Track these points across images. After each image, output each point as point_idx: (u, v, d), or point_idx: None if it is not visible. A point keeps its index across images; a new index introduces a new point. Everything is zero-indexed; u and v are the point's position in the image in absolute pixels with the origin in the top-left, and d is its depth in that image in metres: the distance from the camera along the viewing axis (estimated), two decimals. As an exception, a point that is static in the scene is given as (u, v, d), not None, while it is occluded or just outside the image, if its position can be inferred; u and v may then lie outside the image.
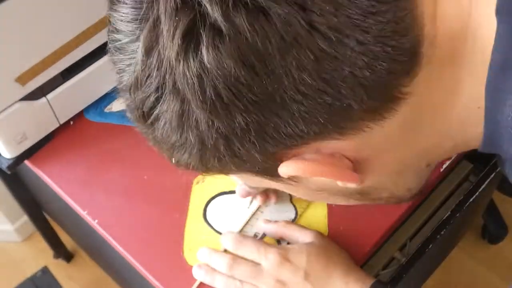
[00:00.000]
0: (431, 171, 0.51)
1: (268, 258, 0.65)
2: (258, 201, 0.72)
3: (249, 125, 0.38)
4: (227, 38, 0.35)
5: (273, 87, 0.36)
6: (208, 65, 0.36)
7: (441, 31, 0.39)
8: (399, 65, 0.37)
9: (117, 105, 0.84)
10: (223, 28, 0.35)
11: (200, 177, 0.76)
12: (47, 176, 0.78)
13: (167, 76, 0.38)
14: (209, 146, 0.40)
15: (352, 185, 0.44)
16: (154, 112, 0.40)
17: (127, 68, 0.40)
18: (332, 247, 0.67)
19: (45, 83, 0.73)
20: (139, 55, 0.38)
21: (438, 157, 0.49)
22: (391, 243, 0.78)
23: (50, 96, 0.75)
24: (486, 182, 0.77)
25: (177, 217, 0.73)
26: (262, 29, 0.35)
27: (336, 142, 0.40)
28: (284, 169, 0.42)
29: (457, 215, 0.75)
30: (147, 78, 0.39)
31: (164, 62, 0.37)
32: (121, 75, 0.42)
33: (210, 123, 0.38)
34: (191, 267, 0.69)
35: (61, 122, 0.80)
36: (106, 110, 0.84)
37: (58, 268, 1.41)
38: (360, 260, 0.69)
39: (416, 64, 0.38)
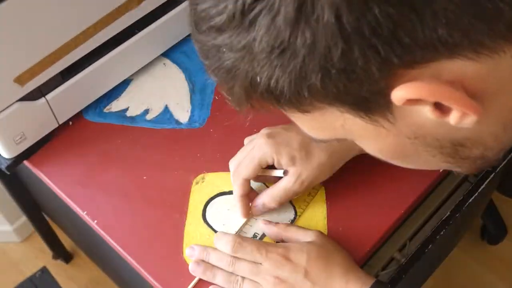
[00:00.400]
0: None
1: (269, 258, 0.65)
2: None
3: (382, 22, 0.33)
4: None
5: None
6: None
7: None
8: None
9: (116, 105, 0.84)
10: None
11: (199, 177, 0.76)
12: (46, 176, 0.78)
13: None
14: (322, 50, 0.35)
15: (469, 120, 0.38)
16: (259, 6, 0.35)
17: None
18: (332, 246, 0.67)
19: (44, 84, 0.73)
20: None
21: None
22: (391, 243, 0.78)
23: (49, 96, 0.75)
24: (486, 183, 0.77)
25: (177, 217, 0.73)
26: None
27: (464, 64, 0.36)
28: (403, 91, 0.37)
29: (457, 215, 0.75)
30: None
31: None
32: None
33: (338, 14, 0.33)
34: (190, 267, 0.69)
35: (60, 122, 0.80)
36: (105, 110, 0.84)
37: (57, 269, 1.41)
38: (360, 261, 0.69)
39: None
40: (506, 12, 0.34)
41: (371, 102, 0.39)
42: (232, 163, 0.73)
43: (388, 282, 0.71)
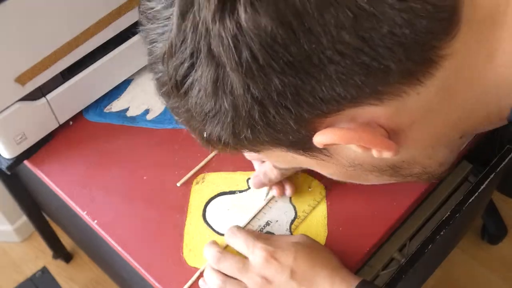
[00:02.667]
0: (463, 145, 0.50)
1: (255, 254, 0.64)
2: (274, 192, 0.72)
3: (285, 88, 0.38)
4: None
5: (311, 46, 0.36)
6: (245, 25, 0.35)
7: None
8: (438, 24, 0.37)
9: (116, 105, 0.84)
10: None
11: (200, 177, 0.76)
12: (46, 176, 0.78)
13: (202, 40, 0.37)
14: (243, 113, 0.40)
15: (387, 155, 0.42)
16: (188, 80, 0.40)
17: (160, 37, 0.41)
18: (319, 247, 0.67)
19: (44, 83, 0.73)
20: (174, 19, 0.38)
21: (471, 128, 0.47)
22: (391, 243, 0.78)
23: (49, 96, 0.75)
24: (486, 183, 0.77)
25: (177, 217, 0.73)
26: None
27: (372, 109, 0.40)
28: (320, 137, 0.41)
29: (457, 215, 0.76)
30: (181, 43, 0.39)
31: (199, 25, 0.37)
32: (152, 45, 0.42)
33: (246, 87, 0.38)
34: (190, 267, 0.69)
35: (61, 122, 0.80)
36: (105, 110, 0.84)
37: (58, 269, 1.41)
38: (360, 261, 0.69)
39: (455, 24, 0.38)
40: (392, 66, 0.37)
41: (302, 144, 0.44)
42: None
43: (388, 282, 0.71)
